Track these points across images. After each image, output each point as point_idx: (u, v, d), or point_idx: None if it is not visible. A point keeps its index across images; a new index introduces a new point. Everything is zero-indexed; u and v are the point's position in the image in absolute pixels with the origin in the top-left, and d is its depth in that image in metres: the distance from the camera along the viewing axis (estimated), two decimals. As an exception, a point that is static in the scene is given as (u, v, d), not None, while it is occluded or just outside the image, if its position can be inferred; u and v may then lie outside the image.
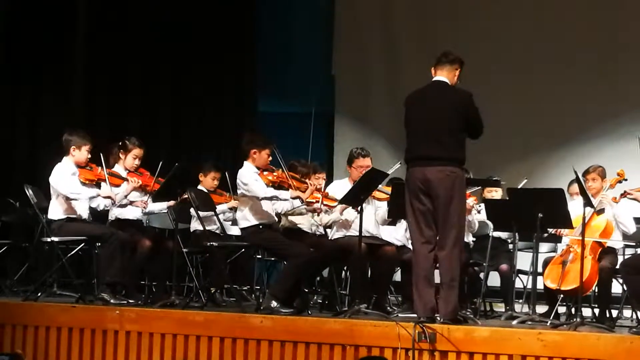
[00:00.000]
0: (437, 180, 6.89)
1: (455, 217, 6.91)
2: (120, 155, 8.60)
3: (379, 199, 8.43)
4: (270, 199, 8.02)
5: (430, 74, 7.25)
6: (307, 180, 8.41)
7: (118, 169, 8.58)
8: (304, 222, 8.57)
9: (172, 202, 8.49)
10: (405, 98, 7.27)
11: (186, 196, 8.32)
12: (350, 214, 8.35)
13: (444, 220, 6.90)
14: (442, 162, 6.91)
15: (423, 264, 6.95)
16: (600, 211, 8.08)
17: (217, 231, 8.77)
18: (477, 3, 11.74)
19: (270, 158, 8.16)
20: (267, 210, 8.11)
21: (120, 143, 8.62)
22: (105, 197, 8.23)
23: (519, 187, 8.39)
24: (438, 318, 6.89)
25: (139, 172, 8.56)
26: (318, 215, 8.49)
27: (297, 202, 8.17)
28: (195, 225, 8.80)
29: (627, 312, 8.74)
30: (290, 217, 8.48)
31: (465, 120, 7.02)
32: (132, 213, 8.57)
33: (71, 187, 8.07)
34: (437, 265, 6.98)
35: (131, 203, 8.48)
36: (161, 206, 8.62)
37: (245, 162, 8.14)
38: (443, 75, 7.17)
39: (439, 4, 11.91)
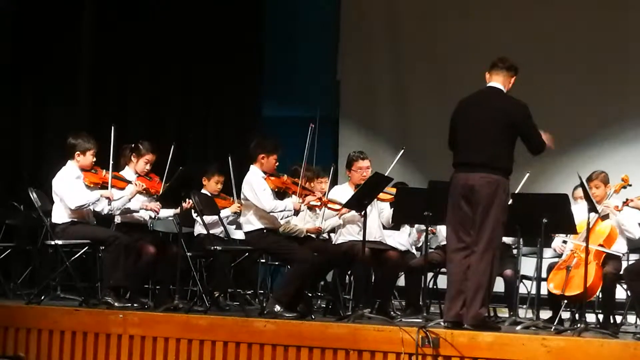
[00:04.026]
0: (479, 187, 6.80)
1: (491, 223, 6.81)
2: (132, 158, 8.57)
3: (383, 200, 8.42)
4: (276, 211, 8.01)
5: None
6: (310, 188, 8.41)
7: (128, 171, 8.56)
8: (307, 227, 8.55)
9: (178, 210, 8.48)
10: (459, 102, 7.12)
11: (191, 203, 8.31)
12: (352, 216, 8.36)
13: (480, 225, 6.82)
14: (485, 170, 6.81)
15: (456, 269, 6.92)
16: (605, 216, 8.07)
17: (221, 235, 8.77)
18: (482, 8, 11.72)
19: (278, 163, 8.15)
20: (271, 214, 8.10)
21: (132, 146, 8.59)
22: (105, 197, 8.18)
23: (522, 182, 8.46)
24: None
25: (149, 177, 8.54)
26: (319, 209, 8.41)
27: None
28: (199, 229, 8.80)
29: (631, 318, 8.73)
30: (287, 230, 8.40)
31: (517, 131, 6.88)
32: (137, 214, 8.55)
33: (76, 199, 8.03)
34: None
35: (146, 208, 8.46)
36: (167, 213, 8.59)
37: (252, 166, 8.11)
38: (499, 81, 7.01)
39: (444, 8, 11.89)
